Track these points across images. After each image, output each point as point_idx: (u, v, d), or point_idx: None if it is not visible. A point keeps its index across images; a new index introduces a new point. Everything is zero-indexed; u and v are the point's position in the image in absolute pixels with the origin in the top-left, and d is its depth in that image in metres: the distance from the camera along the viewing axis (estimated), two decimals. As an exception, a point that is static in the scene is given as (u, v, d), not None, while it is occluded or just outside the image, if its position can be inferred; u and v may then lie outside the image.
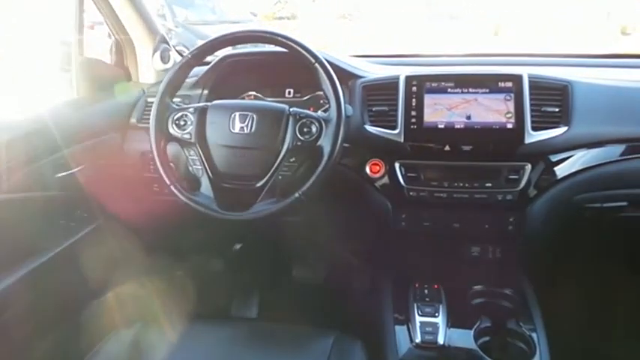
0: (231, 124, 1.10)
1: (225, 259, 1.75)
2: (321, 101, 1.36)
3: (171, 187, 1.09)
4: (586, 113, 1.13)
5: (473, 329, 1.11)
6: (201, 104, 1.15)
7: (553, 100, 1.14)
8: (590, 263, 1.43)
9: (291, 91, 1.41)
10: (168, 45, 1.50)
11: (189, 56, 1.13)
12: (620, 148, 1.15)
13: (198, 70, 1.37)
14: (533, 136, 1.11)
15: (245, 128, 1.09)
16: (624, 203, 1.19)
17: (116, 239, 1.51)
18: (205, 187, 1.11)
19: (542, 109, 1.13)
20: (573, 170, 1.15)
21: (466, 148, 1.14)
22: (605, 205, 1.19)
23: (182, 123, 1.12)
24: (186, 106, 1.16)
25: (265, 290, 1.73)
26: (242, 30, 1.14)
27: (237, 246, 1.69)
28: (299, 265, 1.77)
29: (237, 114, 1.10)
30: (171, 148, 1.14)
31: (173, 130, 1.12)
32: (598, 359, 0.96)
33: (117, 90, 1.43)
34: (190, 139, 1.11)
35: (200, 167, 1.11)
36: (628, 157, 1.15)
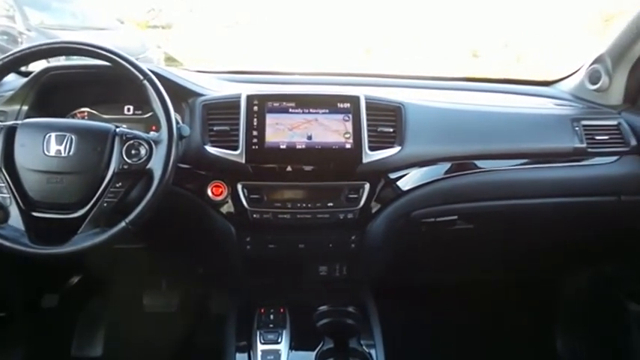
0: (46, 147, 0.97)
1: (59, 294, 1.56)
2: None
3: None
4: (417, 133, 1.19)
5: (315, 352, 1.10)
6: (8, 123, 1.01)
7: (388, 120, 1.19)
8: (430, 275, 1.53)
9: (131, 107, 1.30)
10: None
11: None
12: (449, 165, 1.23)
13: (17, 83, 1.20)
14: (370, 156, 1.14)
15: (62, 151, 0.98)
16: (455, 217, 1.28)
17: None
18: (14, 218, 0.97)
19: (378, 129, 1.17)
20: (409, 187, 1.21)
21: (308, 168, 1.14)
22: (438, 219, 1.27)
23: None
24: None
25: (112, 324, 1.58)
26: (58, 41, 1.02)
27: (75, 279, 1.51)
28: (150, 294, 1.64)
29: (53, 135, 0.98)
30: None
31: None
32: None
33: None
34: None
35: (7, 195, 0.97)
36: (455, 174, 1.23)
